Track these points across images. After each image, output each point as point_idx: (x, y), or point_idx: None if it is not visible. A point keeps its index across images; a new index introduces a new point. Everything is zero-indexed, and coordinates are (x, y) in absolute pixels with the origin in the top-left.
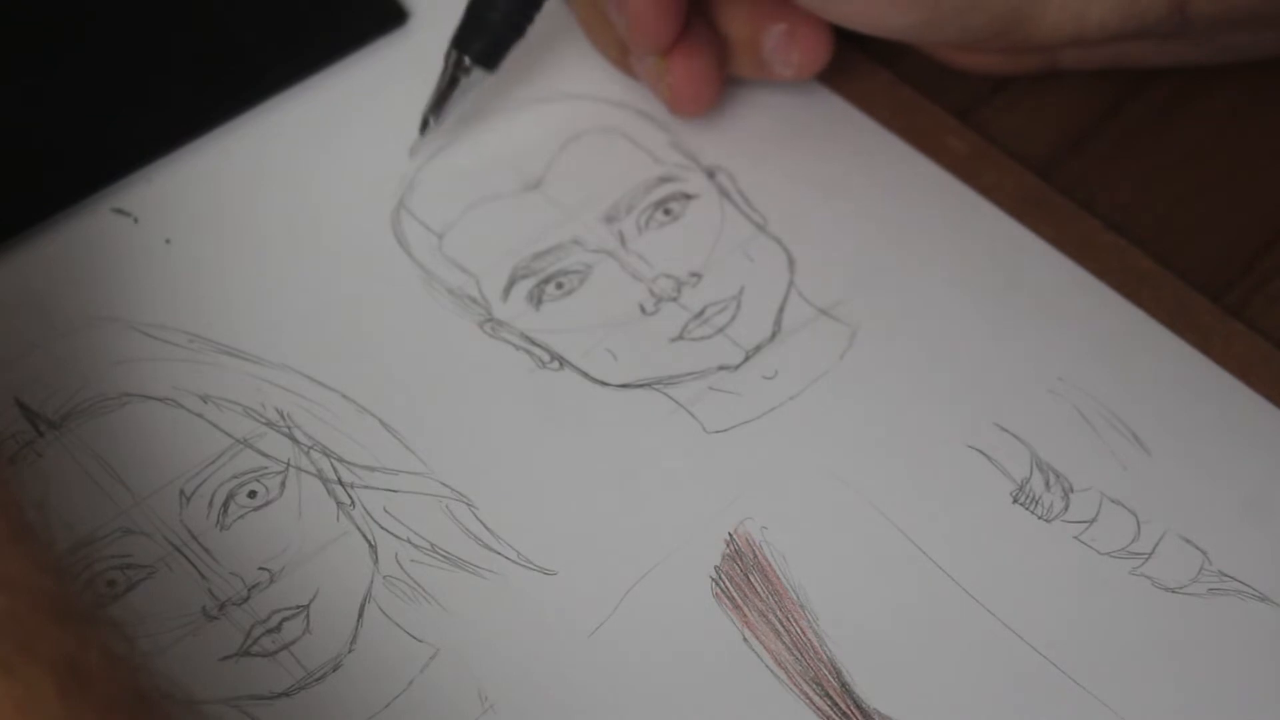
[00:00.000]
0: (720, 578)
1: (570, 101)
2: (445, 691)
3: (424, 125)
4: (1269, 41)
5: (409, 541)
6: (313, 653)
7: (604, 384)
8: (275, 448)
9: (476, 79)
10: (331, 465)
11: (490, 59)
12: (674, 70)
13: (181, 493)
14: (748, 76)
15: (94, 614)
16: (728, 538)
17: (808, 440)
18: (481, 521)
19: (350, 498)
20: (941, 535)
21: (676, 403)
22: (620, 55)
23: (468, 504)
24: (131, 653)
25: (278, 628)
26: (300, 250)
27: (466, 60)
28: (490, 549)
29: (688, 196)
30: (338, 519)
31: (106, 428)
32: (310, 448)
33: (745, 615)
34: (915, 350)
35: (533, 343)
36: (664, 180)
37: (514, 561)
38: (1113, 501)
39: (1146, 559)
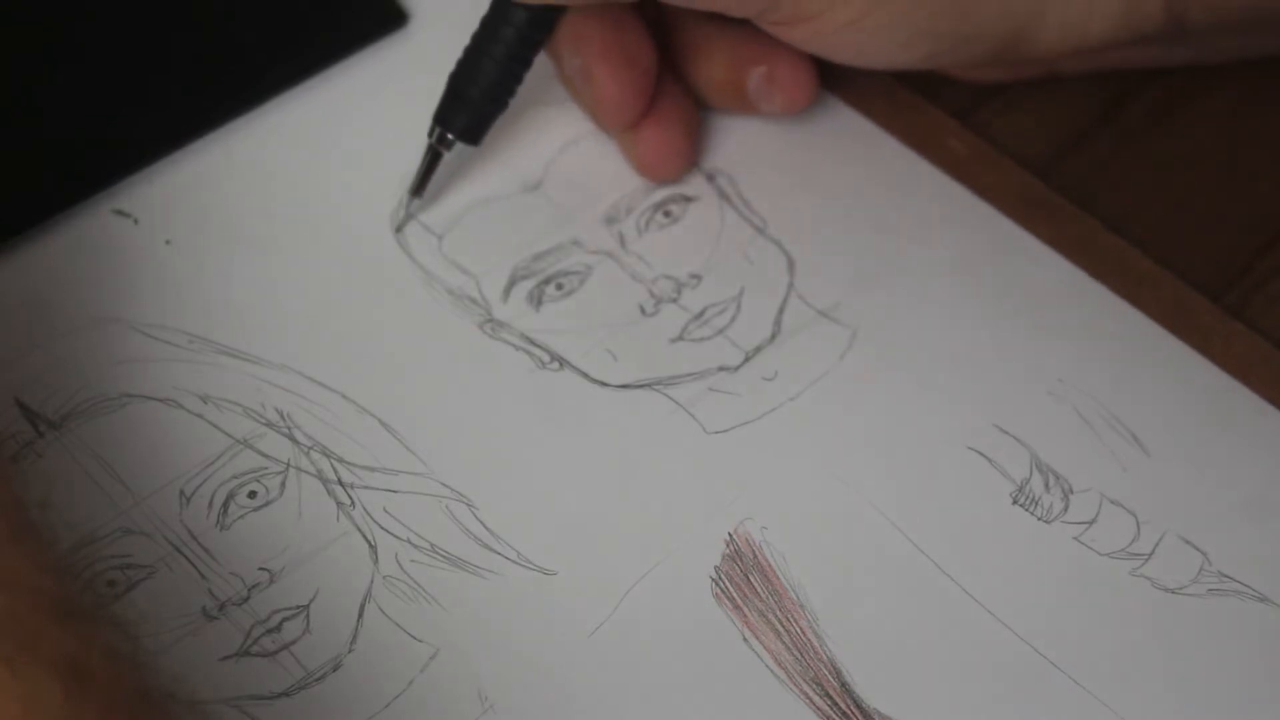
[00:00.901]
0: (720, 578)
1: (570, 103)
2: (445, 691)
3: (410, 198)
4: (1267, 43)
5: (409, 542)
6: (313, 653)
7: (604, 384)
8: (275, 448)
9: (459, 153)
10: (331, 465)
11: (473, 134)
12: (643, 142)
13: (181, 493)
14: (734, 111)
15: (96, 613)
16: (728, 538)
17: (807, 441)
18: (481, 521)
19: (350, 498)
20: (941, 536)
21: (676, 403)
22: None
23: (468, 504)
24: (134, 652)
25: (278, 628)
26: (301, 251)
27: (449, 136)
28: (490, 549)
29: (687, 199)
30: (338, 519)
31: (106, 428)
32: (310, 448)
33: (745, 615)
34: (915, 352)
35: (533, 343)
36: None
37: (514, 561)
38: (1112, 502)
39: (1146, 560)
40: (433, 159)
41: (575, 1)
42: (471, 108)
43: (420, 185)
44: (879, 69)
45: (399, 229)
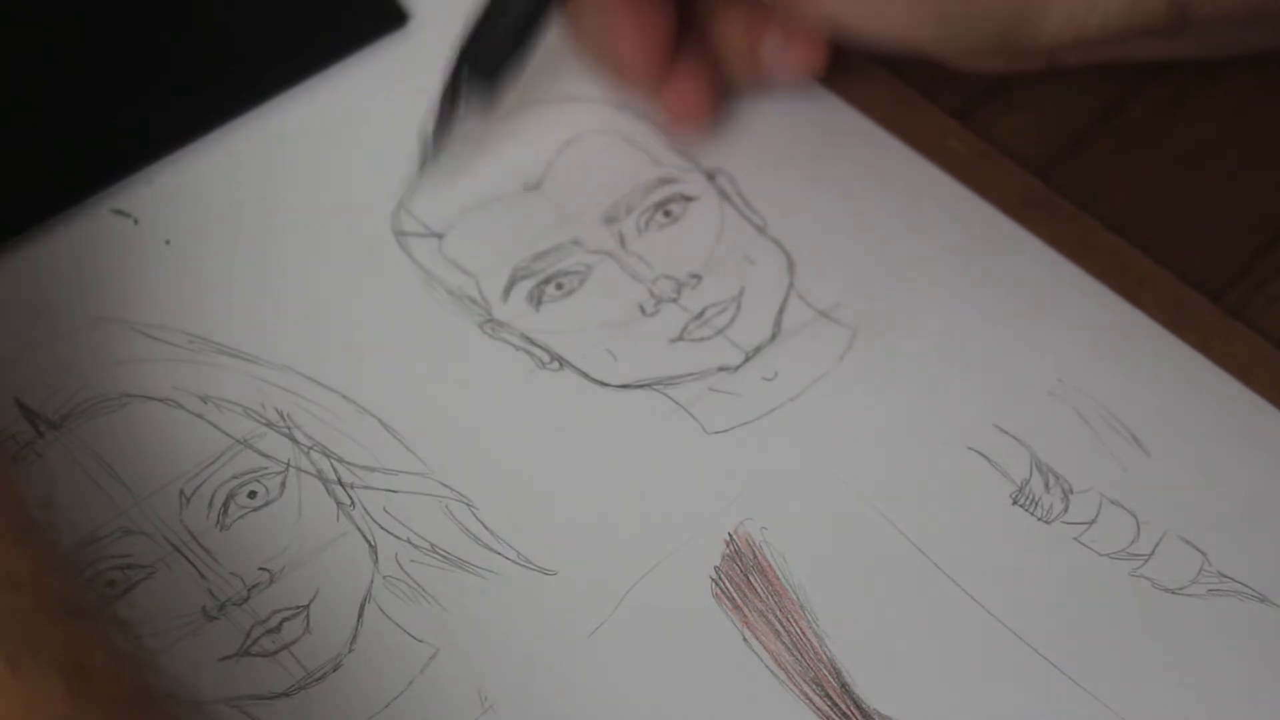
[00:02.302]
0: (720, 578)
1: (570, 102)
2: (445, 691)
3: (430, 147)
4: (1269, 38)
5: (409, 542)
6: (313, 653)
7: (604, 384)
8: (275, 448)
9: (471, 130)
10: (331, 465)
11: (490, 71)
12: (669, 99)
13: (181, 493)
14: (747, 88)
15: (99, 612)
16: (728, 538)
17: (808, 441)
18: (481, 521)
19: (350, 498)
20: (941, 536)
21: (676, 403)
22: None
23: (468, 504)
24: (136, 652)
25: (278, 628)
26: (300, 251)
27: (469, 73)
28: (490, 549)
29: (687, 198)
30: (338, 519)
31: (106, 428)
32: (310, 448)
33: (745, 615)
34: (915, 352)
35: (533, 343)
36: (664, 181)
37: (514, 561)
38: (1112, 503)
39: (1146, 560)
40: (452, 100)
41: None
42: (494, 51)
43: (439, 133)
44: (882, 49)
45: (410, 193)
